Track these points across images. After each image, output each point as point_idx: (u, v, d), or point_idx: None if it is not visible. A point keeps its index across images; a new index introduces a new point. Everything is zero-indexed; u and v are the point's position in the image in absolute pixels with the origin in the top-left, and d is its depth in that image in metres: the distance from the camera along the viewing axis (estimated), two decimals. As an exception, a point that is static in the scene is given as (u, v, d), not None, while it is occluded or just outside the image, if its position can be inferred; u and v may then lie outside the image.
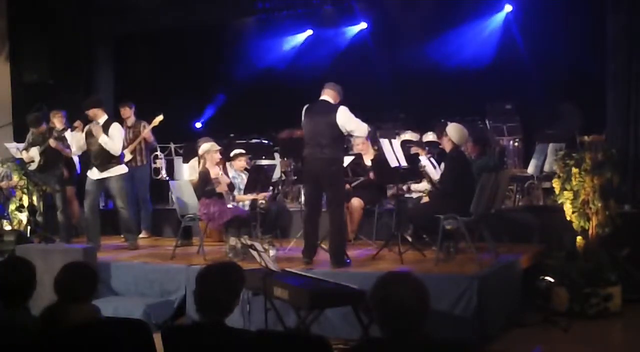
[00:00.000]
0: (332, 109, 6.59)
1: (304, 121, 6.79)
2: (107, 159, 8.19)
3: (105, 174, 8.22)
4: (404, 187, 8.16)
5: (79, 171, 9.47)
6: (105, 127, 8.22)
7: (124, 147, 8.64)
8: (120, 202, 8.29)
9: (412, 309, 2.71)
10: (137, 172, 9.28)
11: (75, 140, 8.46)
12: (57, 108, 9.26)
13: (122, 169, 8.32)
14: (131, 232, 8.54)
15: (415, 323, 2.71)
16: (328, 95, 6.74)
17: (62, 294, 3.68)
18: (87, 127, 8.35)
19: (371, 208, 8.24)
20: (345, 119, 6.57)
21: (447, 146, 7.22)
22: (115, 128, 8.27)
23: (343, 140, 6.85)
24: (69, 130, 8.85)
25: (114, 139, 8.19)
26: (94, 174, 8.27)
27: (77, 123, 8.39)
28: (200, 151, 7.85)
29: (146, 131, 9.36)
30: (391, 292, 2.74)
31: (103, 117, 8.31)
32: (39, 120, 8.64)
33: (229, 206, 7.83)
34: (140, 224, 9.42)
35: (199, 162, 8.99)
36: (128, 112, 9.38)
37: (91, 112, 8.27)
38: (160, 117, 9.35)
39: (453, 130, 7.16)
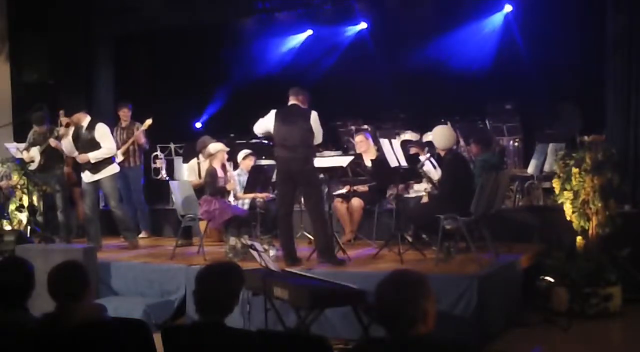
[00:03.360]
0: (307, 114, 6.80)
1: (277, 125, 6.86)
2: (98, 162, 8.17)
3: (97, 176, 8.21)
4: (405, 187, 8.17)
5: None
6: (90, 130, 8.19)
7: (117, 148, 8.68)
8: (113, 202, 8.32)
9: (411, 308, 2.71)
10: (130, 173, 9.27)
11: (64, 145, 8.44)
12: (64, 109, 9.24)
13: (113, 168, 8.31)
14: (129, 230, 8.55)
15: (414, 322, 2.71)
16: (297, 100, 6.90)
17: (57, 297, 3.67)
18: (72, 131, 8.32)
19: (371, 208, 8.24)
20: (316, 123, 6.80)
21: (440, 152, 7.25)
22: (101, 130, 8.21)
23: (313, 143, 6.94)
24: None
25: (104, 142, 8.17)
26: (87, 176, 8.27)
27: (61, 130, 8.36)
28: (213, 150, 8.03)
29: (137, 133, 9.34)
30: (390, 290, 2.74)
31: (86, 120, 8.28)
32: (42, 119, 8.66)
33: (232, 202, 7.89)
34: (139, 224, 9.42)
35: (199, 163, 9.06)
36: (127, 113, 9.38)
37: (75, 118, 8.27)
38: (149, 121, 9.33)
39: (436, 136, 7.19)
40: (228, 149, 8.23)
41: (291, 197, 6.95)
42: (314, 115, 6.81)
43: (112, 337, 3.47)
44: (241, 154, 8.74)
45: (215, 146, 8.10)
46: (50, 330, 3.50)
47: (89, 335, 3.46)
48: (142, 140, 9.49)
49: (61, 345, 3.41)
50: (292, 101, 6.92)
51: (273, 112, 6.93)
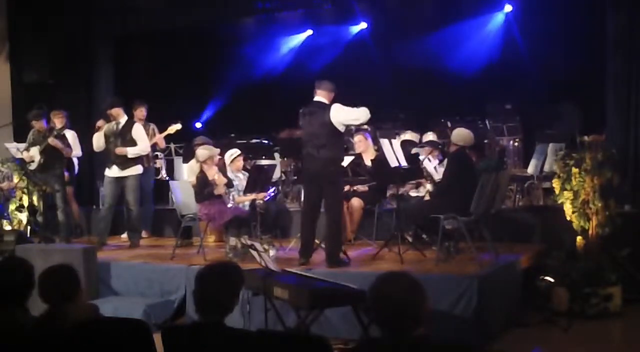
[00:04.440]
0: (326, 108, 6.60)
1: (301, 123, 6.85)
2: (129, 159, 8.38)
3: (125, 173, 8.40)
4: (407, 186, 8.17)
5: (77, 172, 9.52)
6: (127, 128, 8.42)
7: None
8: (133, 201, 8.46)
9: (409, 309, 2.71)
10: (144, 173, 9.26)
11: (95, 139, 8.58)
12: (57, 108, 9.28)
13: (139, 168, 8.51)
14: (136, 231, 8.68)
15: (413, 323, 2.71)
16: (321, 95, 6.73)
17: (48, 300, 3.68)
18: (106, 126, 8.48)
19: (371, 208, 8.24)
20: (342, 114, 6.55)
21: (452, 147, 7.24)
22: (139, 129, 8.52)
23: (341, 140, 6.83)
24: (67, 129, 8.93)
25: (140, 141, 8.43)
26: (113, 172, 8.43)
27: (101, 122, 8.51)
28: (201, 158, 7.82)
29: (160, 137, 9.40)
30: (388, 291, 2.75)
31: (124, 118, 8.49)
32: (39, 115, 8.71)
33: (229, 205, 7.85)
34: (142, 226, 9.43)
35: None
36: (144, 113, 9.36)
37: (114, 112, 8.45)
38: (177, 126, 9.40)
39: (458, 135, 7.18)
40: (218, 151, 8.09)
41: (315, 197, 6.80)
42: (333, 108, 6.56)
43: (112, 337, 3.47)
44: (228, 156, 8.55)
45: (203, 154, 7.86)
46: (47, 330, 3.50)
47: (90, 335, 3.46)
48: (164, 144, 9.59)
49: (62, 345, 3.41)
50: (316, 97, 6.74)
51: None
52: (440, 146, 8.48)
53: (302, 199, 7.20)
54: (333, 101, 6.69)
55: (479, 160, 8.00)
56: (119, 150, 8.34)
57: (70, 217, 9.10)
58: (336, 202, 6.76)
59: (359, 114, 6.63)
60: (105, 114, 8.58)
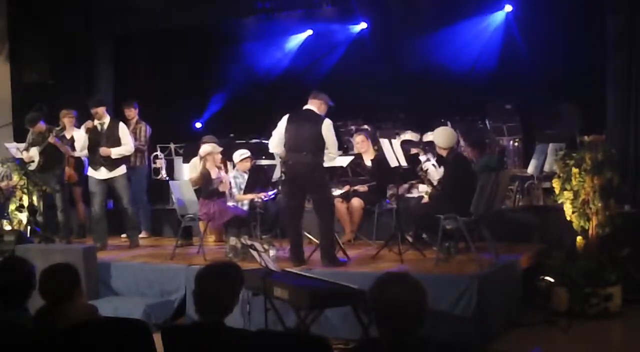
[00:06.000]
0: (319, 119, 6.74)
1: (287, 127, 6.82)
2: (116, 159, 8.37)
3: (112, 174, 8.38)
4: (406, 186, 8.16)
5: (86, 172, 9.50)
6: (112, 129, 8.38)
7: None
8: (126, 200, 8.47)
9: (410, 309, 2.71)
10: (134, 173, 9.23)
11: (78, 139, 8.55)
12: (67, 107, 9.27)
13: (124, 168, 8.50)
14: (136, 229, 8.72)
15: (413, 323, 2.71)
16: (313, 105, 6.83)
17: (47, 297, 3.69)
18: (90, 126, 8.42)
19: (371, 208, 8.24)
20: (328, 132, 6.74)
21: (442, 153, 7.25)
22: (124, 128, 8.51)
23: (324, 149, 6.88)
24: (77, 129, 8.92)
25: (125, 141, 8.41)
26: (101, 174, 8.39)
27: (89, 124, 8.45)
28: (202, 153, 7.93)
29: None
30: (388, 292, 2.75)
31: (107, 118, 8.45)
32: (35, 119, 8.67)
33: (230, 204, 7.86)
34: (140, 224, 9.42)
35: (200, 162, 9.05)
36: (133, 113, 9.35)
37: (100, 110, 8.38)
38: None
39: (438, 137, 7.19)
40: (220, 150, 8.13)
41: (298, 200, 6.90)
42: (326, 123, 6.73)
43: (112, 337, 3.47)
44: (237, 156, 8.62)
45: (205, 148, 7.97)
46: (46, 330, 3.50)
47: (89, 335, 3.46)
48: (143, 145, 9.37)
49: (61, 345, 3.41)
50: (308, 105, 6.86)
51: (285, 117, 6.88)
52: (426, 147, 8.49)
53: (286, 204, 7.10)
54: (325, 116, 6.81)
55: (479, 157, 7.98)
56: (104, 151, 8.28)
57: (70, 217, 9.07)
58: (326, 203, 6.87)
59: (335, 146, 6.80)
60: (90, 113, 8.48)
